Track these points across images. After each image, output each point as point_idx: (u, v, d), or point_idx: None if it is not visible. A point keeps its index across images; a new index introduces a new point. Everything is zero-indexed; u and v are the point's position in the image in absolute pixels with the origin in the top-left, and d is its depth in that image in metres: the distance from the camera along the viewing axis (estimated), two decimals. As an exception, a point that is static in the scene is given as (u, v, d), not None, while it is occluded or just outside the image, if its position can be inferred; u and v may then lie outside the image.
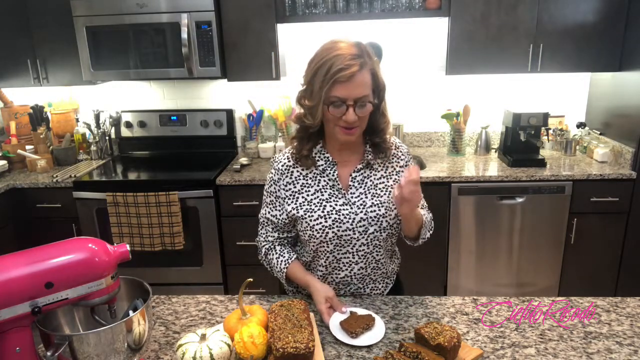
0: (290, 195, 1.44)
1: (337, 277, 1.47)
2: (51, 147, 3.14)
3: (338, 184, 1.42)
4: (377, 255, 1.46)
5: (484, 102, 3.19)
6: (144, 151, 3.33)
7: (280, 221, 1.47)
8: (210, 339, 1.11)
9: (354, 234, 1.41)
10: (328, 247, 1.42)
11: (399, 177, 1.47)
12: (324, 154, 1.43)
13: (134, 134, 3.29)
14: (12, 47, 2.93)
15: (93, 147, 3.20)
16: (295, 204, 1.43)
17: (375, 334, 1.23)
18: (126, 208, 2.68)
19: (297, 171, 1.44)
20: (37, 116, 3.10)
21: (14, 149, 3.03)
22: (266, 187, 1.50)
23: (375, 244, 1.44)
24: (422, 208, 1.53)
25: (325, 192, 1.42)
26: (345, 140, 1.36)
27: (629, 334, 1.23)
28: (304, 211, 1.41)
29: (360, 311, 1.31)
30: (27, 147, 3.10)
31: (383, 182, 1.44)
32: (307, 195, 1.42)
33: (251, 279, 1.48)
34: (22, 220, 2.84)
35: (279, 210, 1.46)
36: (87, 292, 1.01)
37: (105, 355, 1.03)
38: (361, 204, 1.41)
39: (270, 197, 1.48)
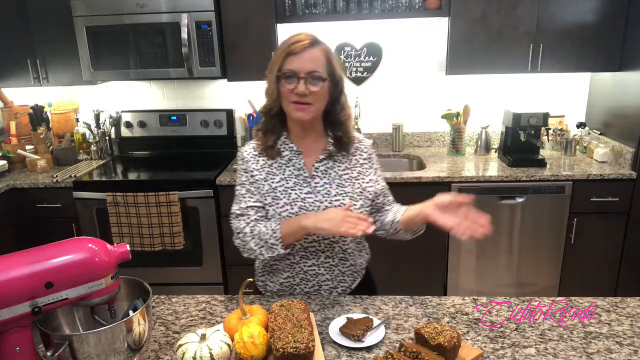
0: (256, 181, 1.46)
1: (305, 266, 1.48)
2: (51, 147, 3.14)
3: (304, 172, 1.45)
4: (344, 245, 1.48)
5: (484, 102, 3.19)
6: (144, 151, 3.33)
7: (263, 205, 1.45)
8: (210, 339, 1.11)
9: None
10: (300, 237, 1.43)
11: (362, 169, 1.50)
12: (288, 144, 1.47)
13: (134, 134, 3.29)
14: (12, 47, 2.93)
15: (93, 147, 3.20)
16: (262, 191, 1.45)
17: (375, 334, 1.23)
18: (126, 208, 2.68)
19: (263, 159, 1.48)
20: (37, 116, 3.10)
21: (14, 149, 3.03)
22: (238, 181, 1.50)
23: None
24: (389, 204, 1.57)
25: (291, 180, 1.45)
26: (298, 117, 1.39)
27: (629, 334, 1.23)
28: (272, 198, 1.44)
29: (356, 315, 1.31)
30: (27, 147, 3.10)
31: (347, 174, 1.48)
32: (272, 182, 1.45)
33: (251, 279, 1.48)
34: (22, 220, 2.83)
35: (259, 195, 1.46)
36: (87, 292, 1.02)
37: (105, 355, 1.03)
38: (326, 193, 1.44)
39: (244, 187, 1.48)
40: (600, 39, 2.71)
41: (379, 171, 1.56)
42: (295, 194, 1.43)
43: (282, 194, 1.44)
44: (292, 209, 1.42)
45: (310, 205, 1.43)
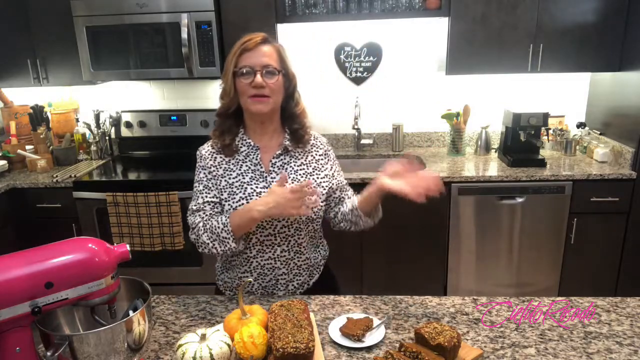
0: (213, 177, 1.49)
1: (261, 260, 1.50)
2: (51, 147, 3.14)
3: (261, 168, 1.49)
4: (299, 238, 1.50)
5: (484, 102, 3.19)
6: (144, 151, 3.33)
7: (220, 200, 1.48)
8: (210, 339, 1.11)
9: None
10: (250, 228, 1.45)
11: (318, 165, 1.55)
12: (245, 140, 1.50)
13: (134, 134, 3.29)
14: (12, 47, 2.93)
15: (93, 147, 3.20)
16: (219, 187, 1.48)
17: (375, 334, 1.24)
18: (126, 208, 2.68)
19: (220, 157, 1.51)
20: (37, 116, 3.10)
21: (14, 149, 3.03)
22: (196, 179, 1.53)
23: (296, 227, 1.48)
24: (350, 197, 1.60)
25: (247, 175, 1.48)
26: (258, 110, 1.43)
27: (629, 334, 1.23)
28: (228, 194, 1.47)
29: (356, 315, 1.31)
30: (27, 147, 3.11)
31: (303, 169, 1.52)
32: (229, 178, 1.48)
33: (251, 279, 1.48)
34: (22, 220, 2.83)
35: (216, 190, 1.49)
36: (87, 292, 1.01)
37: (105, 355, 1.03)
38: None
39: (201, 184, 1.51)
40: (600, 39, 2.71)
41: (336, 166, 1.61)
42: (251, 188, 1.46)
43: (238, 188, 1.47)
44: (247, 202, 1.45)
45: None
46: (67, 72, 2.96)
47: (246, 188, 1.46)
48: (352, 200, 1.57)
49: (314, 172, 1.53)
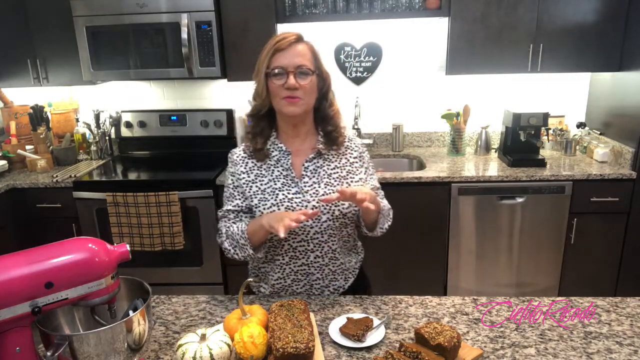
0: (244, 184, 1.47)
1: (295, 266, 1.48)
2: (51, 147, 3.14)
3: (292, 173, 1.45)
4: (333, 244, 1.47)
5: (484, 102, 3.19)
6: (144, 151, 3.33)
7: (242, 209, 1.48)
8: (210, 339, 1.11)
9: (307, 221, 1.42)
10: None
11: (352, 168, 1.51)
12: (277, 145, 1.47)
13: (134, 134, 3.29)
14: (12, 47, 2.93)
15: (93, 147, 3.20)
16: (250, 192, 1.46)
17: (375, 334, 1.24)
18: (126, 208, 2.68)
19: (252, 162, 1.49)
20: (37, 116, 3.10)
21: (14, 149, 3.03)
22: (225, 182, 1.53)
23: (330, 233, 1.45)
24: (381, 199, 1.56)
25: (279, 181, 1.45)
26: (290, 112, 1.40)
27: (629, 334, 1.23)
28: (258, 200, 1.44)
29: (356, 315, 1.31)
30: (27, 147, 3.10)
31: (337, 173, 1.48)
32: (261, 184, 1.46)
33: (251, 279, 1.48)
34: (22, 220, 2.83)
35: (240, 199, 1.48)
36: (87, 292, 1.02)
37: (105, 355, 1.03)
38: (314, 193, 1.44)
39: (228, 190, 1.51)
40: (600, 39, 2.71)
41: (370, 170, 1.57)
42: (283, 194, 1.43)
43: (270, 194, 1.44)
44: (279, 209, 1.42)
45: (298, 205, 1.42)
46: (67, 72, 2.96)
47: (277, 194, 1.43)
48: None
49: (347, 175, 1.48)
